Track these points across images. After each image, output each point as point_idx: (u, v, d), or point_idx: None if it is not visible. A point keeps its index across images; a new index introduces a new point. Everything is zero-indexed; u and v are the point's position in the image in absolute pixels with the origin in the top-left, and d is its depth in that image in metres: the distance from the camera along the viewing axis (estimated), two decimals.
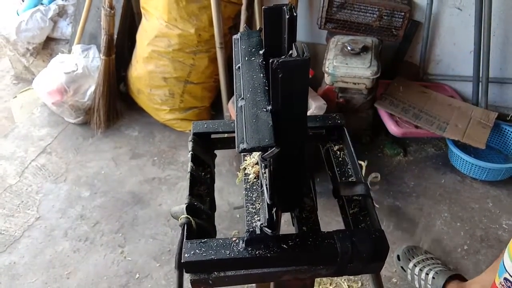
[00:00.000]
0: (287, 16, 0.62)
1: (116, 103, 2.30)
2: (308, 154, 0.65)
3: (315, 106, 1.87)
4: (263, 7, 0.67)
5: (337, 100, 1.98)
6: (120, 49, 2.27)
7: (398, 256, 1.61)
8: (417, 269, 1.53)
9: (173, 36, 2.01)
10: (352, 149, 0.81)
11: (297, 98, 0.57)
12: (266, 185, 0.64)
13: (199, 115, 2.27)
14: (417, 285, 1.53)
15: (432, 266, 1.53)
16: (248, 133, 0.55)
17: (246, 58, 0.68)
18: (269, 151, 0.54)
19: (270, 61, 0.53)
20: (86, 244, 1.73)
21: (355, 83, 1.87)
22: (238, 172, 0.82)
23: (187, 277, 0.68)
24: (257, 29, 2.01)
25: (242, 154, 0.83)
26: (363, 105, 1.99)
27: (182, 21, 1.99)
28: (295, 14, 0.62)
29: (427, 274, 1.50)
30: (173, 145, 2.20)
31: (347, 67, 1.85)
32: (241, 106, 0.60)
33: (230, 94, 2.16)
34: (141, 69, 2.16)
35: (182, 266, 0.67)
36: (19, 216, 1.84)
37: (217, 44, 2.03)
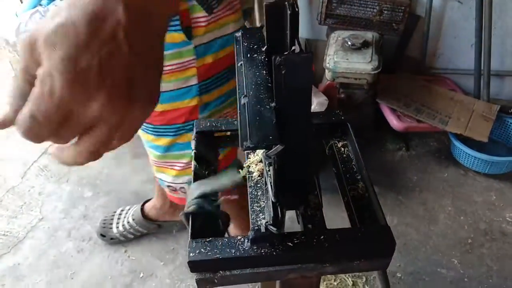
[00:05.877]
0: (289, 12, 0.61)
1: None
2: (313, 151, 0.64)
3: (316, 102, 1.87)
4: (264, 4, 0.66)
5: (338, 95, 1.97)
6: None
7: None
8: None
9: None
10: (356, 145, 0.80)
11: (301, 94, 0.57)
12: (270, 182, 0.64)
13: None
14: None
15: None
16: (251, 130, 0.54)
17: (248, 55, 0.67)
18: (273, 149, 0.53)
19: (273, 57, 0.52)
20: (90, 244, 1.73)
21: (356, 79, 1.86)
22: (240, 170, 0.81)
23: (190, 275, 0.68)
24: (257, 25, 2.00)
25: (245, 152, 0.82)
26: (365, 100, 1.98)
27: None
28: (297, 9, 0.62)
29: None
30: None
31: (348, 63, 1.84)
32: (244, 103, 0.59)
33: None
34: None
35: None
36: (22, 217, 1.84)
37: None
